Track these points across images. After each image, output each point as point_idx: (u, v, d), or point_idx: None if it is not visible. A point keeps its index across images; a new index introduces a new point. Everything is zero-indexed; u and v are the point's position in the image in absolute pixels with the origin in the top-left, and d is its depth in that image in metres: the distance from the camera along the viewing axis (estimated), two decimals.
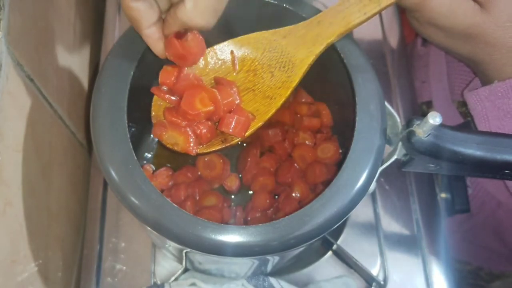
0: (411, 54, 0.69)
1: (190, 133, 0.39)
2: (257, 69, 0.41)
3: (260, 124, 0.40)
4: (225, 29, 0.45)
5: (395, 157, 0.38)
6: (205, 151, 0.40)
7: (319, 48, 0.39)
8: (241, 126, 0.39)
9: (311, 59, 0.39)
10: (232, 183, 0.49)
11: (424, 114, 0.62)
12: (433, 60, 0.63)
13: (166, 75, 0.39)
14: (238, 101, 0.40)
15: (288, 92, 0.40)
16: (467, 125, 0.55)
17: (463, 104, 0.57)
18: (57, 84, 0.49)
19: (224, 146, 0.40)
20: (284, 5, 0.41)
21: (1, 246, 0.37)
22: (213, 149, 0.40)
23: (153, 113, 0.41)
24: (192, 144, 0.39)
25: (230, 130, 0.38)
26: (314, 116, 0.49)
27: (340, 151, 0.47)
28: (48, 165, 0.46)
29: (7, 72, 0.38)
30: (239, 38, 0.41)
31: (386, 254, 0.52)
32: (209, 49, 0.41)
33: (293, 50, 0.40)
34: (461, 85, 0.56)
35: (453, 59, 0.57)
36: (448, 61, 0.60)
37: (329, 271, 0.51)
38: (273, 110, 0.40)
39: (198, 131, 0.39)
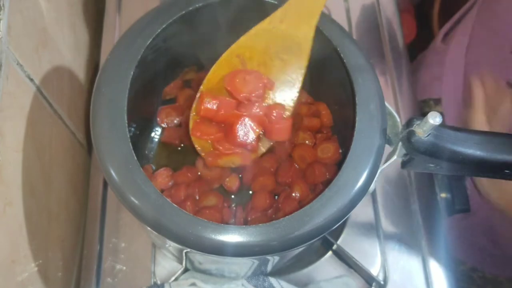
0: (429, 48, 0.69)
1: (242, 151, 0.43)
2: (266, 61, 0.42)
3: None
4: (224, 29, 0.45)
5: (395, 157, 0.38)
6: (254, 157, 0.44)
7: (315, 18, 0.40)
8: (287, 130, 0.43)
9: (312, 32, 0.40)
10: (232, 183, 0.49)
11: (429, 110, 0.62)
12: (450, 58, 0.62)
13: (209, 111, 0.42)
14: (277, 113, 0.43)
15: (304, 71, 0.42)
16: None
17: None
18: (57, 84, 0.49)
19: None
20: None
21: (1, 246, 0.37)
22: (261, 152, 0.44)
23: (198, 147, 0.44)
24: (246, 158, 0.44)
25: (281, 139, 0.43)
26: (314, 116, 0.49)
27: (340, 151, 0.47)
28: (48, 165, 0.46)
29: (7, 72, 0.38)
30: (240, 40, 0.42)
31: (386, 254, 0.52)
32: (217, 62, 0.43)
33: (293, 30, 0.41)
34: None
35: (474, 60, 0.57)
36: (467, 63, 0.59)
37: (329, 271, 0.51)
38: (297, 93, 0.43)
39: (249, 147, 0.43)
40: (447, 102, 0.62)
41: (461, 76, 0.59)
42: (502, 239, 0.62)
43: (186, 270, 0.50)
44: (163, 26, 0.39)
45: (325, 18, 0.41)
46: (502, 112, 0.47)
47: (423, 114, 0.34)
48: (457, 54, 0.61)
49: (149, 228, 0.34)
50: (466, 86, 0.58)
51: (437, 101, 0.63)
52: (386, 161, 0.38)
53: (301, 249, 0.37)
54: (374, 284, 0.51)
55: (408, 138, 0.35)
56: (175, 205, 0.33)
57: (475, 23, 0.58)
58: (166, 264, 0.51)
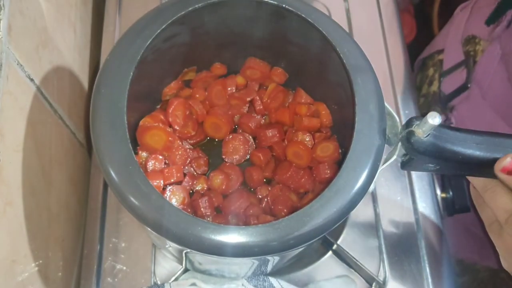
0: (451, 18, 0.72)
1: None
2: None
3: None
4: (224, 29, 0.45)
5: (394, 157, 0.38)
6: None
7: None
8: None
9: None
10: None
11: (432, 61, 0.64)
12: (457, 15, 0.66)
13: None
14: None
15: None
16: (466, 62, 0.59)
17: (467, 42, 0.60)
18: (57, 84, 0.49)
19: None
20: (284, 5, 0.41)
21: (1, 246, 0.37)
22: None
23: None
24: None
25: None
26: (314, 116, 0.49)
27: (340, 150, 0.47)
28: (48, 165, 0.46)
29: (7, 72, 0.38)
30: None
31: (386, 254, 0.52)
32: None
33: None
34: (476, 17, 0.59)
35: (477, 12, 0.60)
36: (472, 10, 0.62)
37: (329, 271, 0.51)
38: None
39: None
40: (449, 45, 0.65)
41: (466, 18, 0.62)
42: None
43: (186, 270, 0.50)
44: (163, 27, 0.39)
45: (325, 18, 0.41)
46: None
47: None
48: (463, 13, 0.64)
49: (149, 229, 0.34)
50: (467, 22, 0.62)
51: (440, 52, 0.67)
52: (385, 161, 0.38)
53: (301, 249, 0.37)
54: (374, 284, 0.51)
55: (408, 139, 0.35)
56: (175, 206, 0.33)
57: None
58: (166, 264, 0.51)
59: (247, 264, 0.44)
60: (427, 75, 0.69)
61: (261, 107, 0.50)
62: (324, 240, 0.52)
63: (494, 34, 0.55)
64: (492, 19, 0.55)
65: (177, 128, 0.47)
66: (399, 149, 0.37)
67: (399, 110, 0.60)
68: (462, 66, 0.60)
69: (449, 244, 0.54)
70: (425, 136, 0.34)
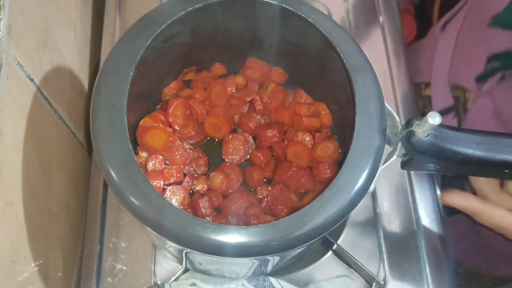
0: (427, 34, 0.70)
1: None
2: None
3: None
4: (224, 30, 0.45)
5: (395, 157, 0.38)
6: None
7: None
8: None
9: None
10: None
11: (421, 92, 0.62)
12: (442, 40, 0.63)
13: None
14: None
15: None
16: (456, 108, 0.57)
17: (456, 88, 0.59)
18: (57, 84, 0.49)
19: None
20: (284, 5, 0.41)
21: (1, 246, 0.37)
22: None
23: None
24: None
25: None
26: (314, 116, 0.49)
27: (340, 150, 0.47)
28: (48, 165, 0.46)
29: (7, 72, 0.38)
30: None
31: (386, 254, 0.52)
32: None
33: None
34: (464, 69, 0.57)
35: (462, 45, 0.58)
36: (456, 45, 0.60)
37: (329, 271, 0.51)
38: None
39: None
40: (435, 84, 0.63)
41: (449, 56, 0.60)
42: (487, 232, 0.61)
43: (186, 270, 0.50)
44: (163, 27, 0.39)
45: (325, 18, 0.41)
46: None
47: (422, 114, 0.34)
48: (448, 37, 0.62)
49: (149, 229, 0.34)
50: (452, 66, 0.60)
51: (427, 84, 0.64)
52: (385, 161, 0.38)
53: (301, 249, 0.37)
54: (374, 284, 0.51)
55: (408, 138, 0.35)
56: (175, 206, 0.33)
57: (468, 11, 0.60)
58: (166, 264, 0.51)
59: (247, 264, 0.44)
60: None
61: (261, 107, 0.50)
62: (324, 240, 0.52)
63: (484, 89, 0.53)
64: (483, 77, 0.53)
65: (177, 128, 0.47)
66: (399, 149, 0.37)
67: (399, 110, 0.60)
68: (452, 111, 0.59)
69: (452, 250, 0.54)
70: (425, 136, 0.34)
